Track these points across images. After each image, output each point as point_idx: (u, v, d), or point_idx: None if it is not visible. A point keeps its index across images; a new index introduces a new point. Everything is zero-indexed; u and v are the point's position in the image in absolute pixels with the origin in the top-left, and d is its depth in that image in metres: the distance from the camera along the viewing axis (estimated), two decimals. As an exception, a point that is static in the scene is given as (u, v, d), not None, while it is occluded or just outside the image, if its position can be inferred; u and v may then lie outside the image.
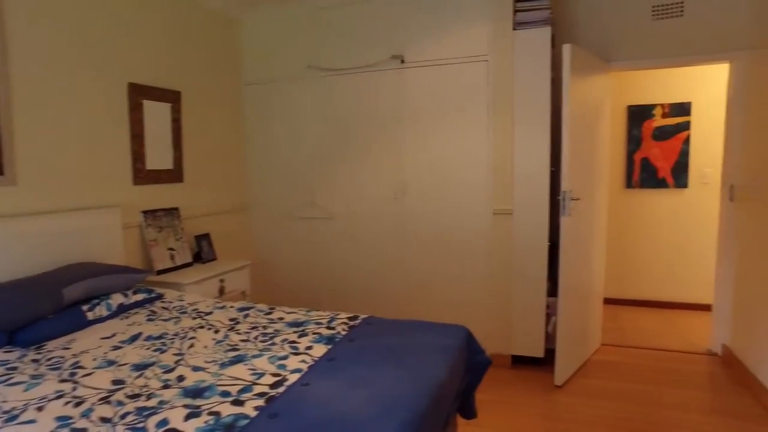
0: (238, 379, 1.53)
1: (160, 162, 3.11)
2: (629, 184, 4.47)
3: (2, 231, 2.12)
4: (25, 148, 2.30)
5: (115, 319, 2.14)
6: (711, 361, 3.28)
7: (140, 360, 1.68)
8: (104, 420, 1.27)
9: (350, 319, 2.13)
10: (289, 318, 2.18)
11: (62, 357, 1.69)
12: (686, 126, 4.27)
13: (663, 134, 4.34)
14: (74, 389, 1.44)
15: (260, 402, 1.37)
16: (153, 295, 2.42)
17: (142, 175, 2.94)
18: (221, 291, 3.06)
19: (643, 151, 4.40)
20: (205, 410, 1.32)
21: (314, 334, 1.94)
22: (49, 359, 1.69)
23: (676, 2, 3.22)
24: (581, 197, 3.02)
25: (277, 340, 1.89)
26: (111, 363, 1.65)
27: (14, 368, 1.60)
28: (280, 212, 3.78)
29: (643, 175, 4.42)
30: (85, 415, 1.30)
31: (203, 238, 3.35)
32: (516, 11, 3.03)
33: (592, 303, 3.35)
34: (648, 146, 4.38)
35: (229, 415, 1.29)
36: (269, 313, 2.25)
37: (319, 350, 1.77)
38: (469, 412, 2.06)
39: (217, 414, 1.30)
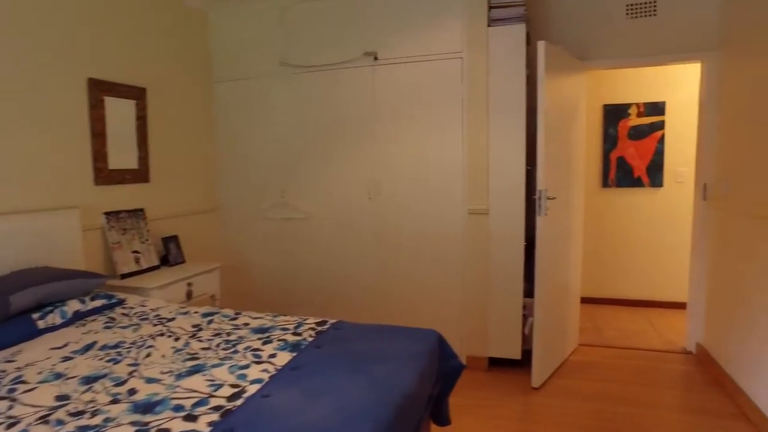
0: (194, 391, 1.44)
1: (124, 161, 2.98)
2: (605, 183, 4.48)
3: (-55, 235, 1.99)
4: (-27, 147, 2.17)
5: (70, 327, 2.02)
6: (686, 359, 3.29)
7: (91, 372, 1.58)
8: (41, 440, 1.18)
9: (318, 324, 2.05)
10: (255, 324, 2.09)
11: (3, 371, 1.58)
12: (661, 125, 4.30)
13: (638, 133, 4.35)
14: (10, 408, 1.33)
15: (215, 416, 1.29)
16: (113, 301, 2.31)
17: (104, 175, 2.82)
18: (189, 295, 2.95)
19: (619, 150, 4.41)
20: (153, 427, 1.23)
21: (279, 340, 1.86)
22: (-10, 373, 1.57)
23: (649, 1, 3.22)
24: (557, 196, 2.99)
25: (240, 347, 1.80)
26: (58, 376, 1.54)
27: (-50, 384, 1.49)
28: (252, 213, 3.68)
29: (619, 174, 4.43)
30: (20, 435, 1.20)
31: (171, 241, 3.23)
32: (490, 8, 2.98)
33: (569, 303, 3.32)
34: (624, 145, 4.40)
35: (179, 432, 1.20)
36: (234, 319, 2.16)
37: (283, 358, 1.69)
38: (442, 419, 2.00)
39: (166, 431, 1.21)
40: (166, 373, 1.57)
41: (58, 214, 2.48)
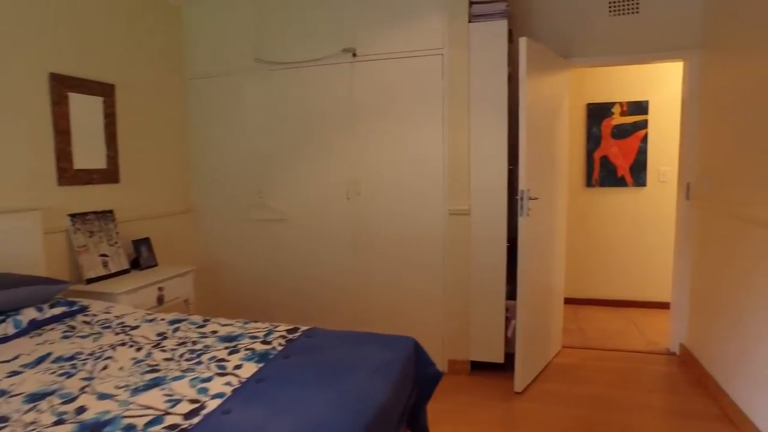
0: (149, 408, 1.34)
1: (92, 161, 2.85)
2: (589, 182, 4.44)
3: None
4: None
5: (24, 337, 1.90)
6: (669, 360, 3.26)
7: (38, 388, 1.47)
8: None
9: (289, 331, 1.96)
10: (224, 331, 1.99)
11: (-59, 388, 1.47)
12: (644, 124, 4.27)
13: (621, 132, 4.32)
14: (-60, 432, 1.22)
15: (168, 437, 1.19)
16: (75, 308, 2.19)
17: (69, 176, 2.69)
18: (160, 300, 2.84)
19: (602, 150, 4.38)
20: (98, 450, 1.13)
21: (247, 350, 1.77)
22: (-71, 390, 1.46)
23: (632, -2, 3.18)
24: (540, 197, 2.93)
25: (204, 357, 1.71)
26: (1, 394, 1.43)
27: None
28: (228, 214, 3.57)
29: (602, 173, 4.40)
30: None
31: (142, 243, 3.11)
32: (471, 3, 2.91)
33: (553, 305, 3.27)
34: (607, 144, 4.36)
35: (125, 456, 1.11)
36: (202, 326, 2.06)
37: (249, 369, 1.60)
38: (419, 429, 1.92)
39: (111, 455, 1.11)
40: (122, 387, 1.47)
41: (16, 217, 2.35)
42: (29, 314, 2.00)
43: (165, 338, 1.91)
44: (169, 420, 1.28)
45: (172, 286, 2.95)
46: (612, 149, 4.35)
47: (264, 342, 1.85)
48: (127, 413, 1.31)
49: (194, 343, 1.86)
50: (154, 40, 3.31)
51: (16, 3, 2.41)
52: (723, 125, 2.76)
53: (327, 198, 3.29)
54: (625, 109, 4.29)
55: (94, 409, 1.34)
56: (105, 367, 1.62)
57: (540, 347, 3.10)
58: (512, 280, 2.97)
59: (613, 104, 4.31)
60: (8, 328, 1.88)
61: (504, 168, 2.95)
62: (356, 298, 3.29)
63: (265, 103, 3.39)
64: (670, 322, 3.41)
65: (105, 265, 2.80)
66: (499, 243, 2.98)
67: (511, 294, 3.00)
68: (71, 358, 1.70)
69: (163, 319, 2.13)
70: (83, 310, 2.22)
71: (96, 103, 2.85)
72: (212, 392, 1.44)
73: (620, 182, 4.37)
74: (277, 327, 2.03)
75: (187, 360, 1.69)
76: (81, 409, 1.33)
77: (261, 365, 1.63)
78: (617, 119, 4.31)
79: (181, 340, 1.89)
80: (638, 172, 4.32)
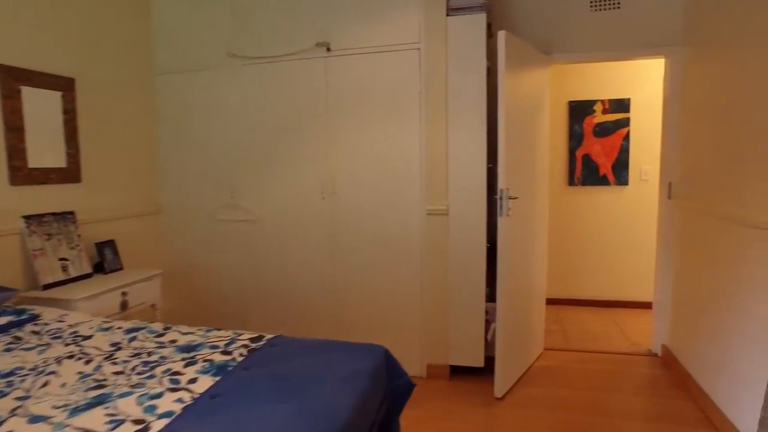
0: (87, 431, 1.22)
1: (49, 159, 2.70)
2: (571, 181, 4.38)
3: None
4: None
5: (-37, 350, 1.76)
6: (652, 362, 3.21)
7: (-35, 409, 1.33)
8: None
9: (253, 340, 1.84)
10: (184, 340, 1.86)
11: None
12: (626, 122, 4.23)
13: (603, 130, 4.27)
14: None
15: (102, 465, 1.07)
16: (24, 317, 2.04)
17: (23, 175, 2.53)
18: (124, 305, 2.69)
19: (584, 148, 4.33)
20: (19, 483, 1.01)
21: (205, 361, 1.64)
22: None
23: (613, -8, 3.11)
24: (520, 196, 2.85)
25: (158, 370, 1.58)
26: None
27: None
28: (199, 215, 3.42)
29: (584, 172, 4.34)
30: None
31: (106, 246, 2.96)
32: (449, -4, 2.82)
33: (534, 307, 3.20)
34: (589, 143, 4.31)
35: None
36: (161, 335, 1.93)
37: (204, 383, 1.48)
38: (391, 442, 1.82)
39: (33, 488, 0.99)
40: (60, 407, 1.34)
41: (-38, 219, 2.20)
42: (-29, 324, 1.85)
43: (119, 349, 1.78)
44: (107, 444, 1.15)
45: (138, 291, 2.81)
46: (594, 147, 4.30)
47: (224, 352, 1.73)
48: (60, 437, 1.18)
49: (150, 354, 1.73)
50: (119, 32, 3.15)
51: (-38, -10, 2.25)
52: (704, 123, 2.71)
53: (301, 198, 3.17)
54: (607, 106, 4.24)
55: (24, 433, 1.21)
56: (45, 384, 1.49)
57: (521, 350, 3.02)
58: (492, 282, 2.88)
59: (594, 102, 4.26)
60: (-56, 340, 1.74)
61: (483, 166, 2.86)
62: (332, 302, 3.18)
63: (237, 99, 3.26)
64: (652, 323, 3.36)
65: (64, 269, 2.65)
66: (479, 244, 2.89)
67: (492, 296, 2.92)
68: (9, 374, 1.56)
69: (120, 328, 2.00)
70: (33, 318, 2.07)
71: (54, 98, 2.69)
72: (160, 411, 1.32)
73: (602, 181, 4.32)
74: (240, 335, 1.91)
75: (139, 373, 1.56)
76: (8, 434, 1.20)
77: (218, 379, 1.51)
78: (599, 117, 4.26)
79: (136, 351, 1.76)
80: (620, 171, 4.27)
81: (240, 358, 1.67)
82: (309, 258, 3.19)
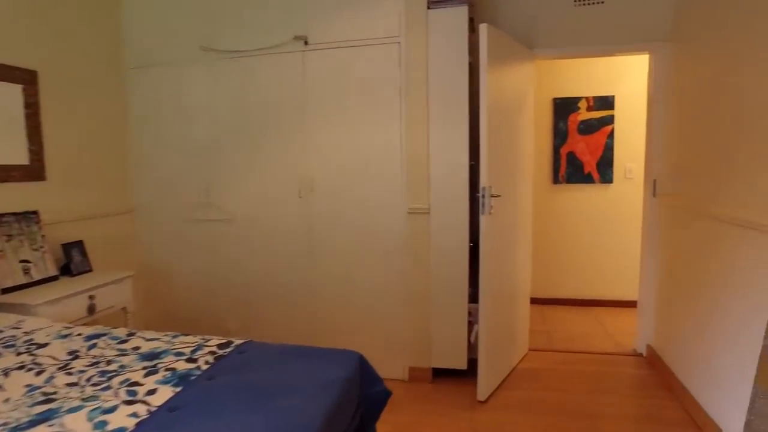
0: (27, 451, 1.11)
1: (9, 156, 2.56)
2: (556, 179, 4.34)
3: None
4: None
5: None
6: (636, 362, 3.17)
7: None
8: None
9: (220, 346, 1.74)
10: (147, 347, 1.76)
11: None
12: (610, 120, 4.19)
13: (588, 128, 4.23)
14: None
15: (38, 491, 0.97)
16: (-24, 324, 1.92)
17: (-20, 173, 2.40)
18: (91, 310, 2.57)
19: (569, 146, 4.28)
20: None
21: (167, 370, 1.54)
22: None
23: (597, -13, 3.06)
24: (503, 194, 2.78)
25: (116, 381, 1.48)
26: None
27: None
28: (173, 214, 3.30)
29: (569, 169, 4.30)
30: None
31: (74, 247, 2.83)
32: (430, -12, 2.74)
33: (518, 307, 3.13)
34: (574, 140, 4.27)
35: None
36: (124, 342, 1.82)
37: (163, 395, 1.38)
38: (367, 452, 1.74)
39: None
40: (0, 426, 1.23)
41: None
42: None
43: (76, 357, 1.67)
44: (48, 466, 1.05)
45: (107, 294, 2.68)
46: (579, 145, 4.26)
47: (189, 360, 1.63)
48: (-3, 459, 1.08)
49: (109, 362, 1.62)
50: (87, 23, 3.02)
51: None
52: (689, 120, 2.66)
53: (278, 196, 3.07)
54: (591, 104, 4.20)
55: (-43, 454, 1.10)
56: (-11, 398, 1.38)
57: (505, 352, 2.95)
58: (476, 282, 2.81)
59: (579, 99, 4.22)
60: None
61: (465, 164, 2.79)
62: (310, 303, 3.08)
63: (212, 94, 3.14)
64: (636, 323, 3.32)
65: (26, 272, 2.52)
66: (461, 243, 2.82)
67: (475, 297, 2.84)
68: (-48, 387, 1.45)
69: (80, 335, 1.88)
70: (-13, 325, 1.95)
71: (13, 91, 2.55)
72: (111, 427, 1.21)
73: (587, 179, 4.28)
74: (208, 341, 1.81)
75: (94, 385, 1.46)
76: (-61, 456, 1.10)
77: (179, 389, 1.41)
78: (583, 114, 4.22)
79: (94, 360, 1.65)
80: (605, 169, 4.23)
81: (205, 367, 1.57)
82: (287, 258, 3.09)
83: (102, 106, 3.14)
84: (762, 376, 1.86)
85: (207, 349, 1.72)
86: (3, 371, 1.55)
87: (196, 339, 1.84)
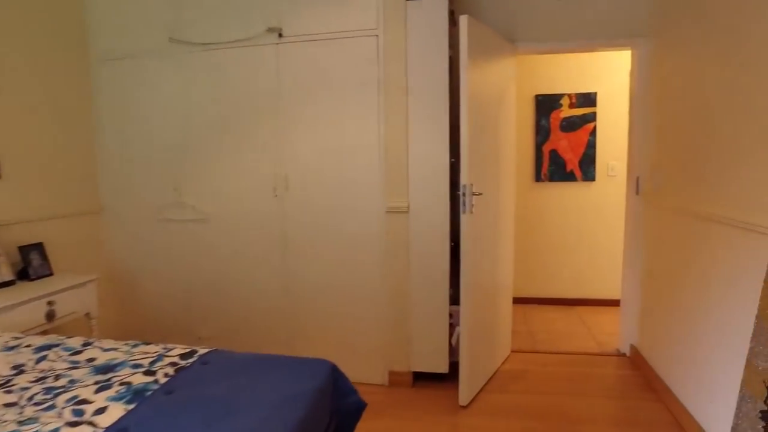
0: (-52, 483, 0.99)
1: (-40, 153, 2.39)
2: (538, 177, 4.28)
3: None
4: None
5: None
6: (620, 363, 3.12)
7: None
8: None
9: (183, 356, 1.62)
10: (104, 358, 1.63)
11: None
12: (593, 117, 4.15)
13: (570, 125, 4.18)
14: None
15: None
16: None
17: (-74, 171, 2.23)
18: (50, 316, 2.41)
19: (551, 143, 4.23)
20: None
21: (121, 384, 1.42)
22: None
23: (579, -20, 2.99)
24: (485, 192, 2.70)
25: (62, 399, 1.35)
26: None
27: None
28: (143, 214, 3.15)
29: (552, 167, 4.25)
30: None
31: (33, 250, 2.67)
32: (408, -21, 2.64)
33: (501, 308, 3.06)
34: (556, 138, 4.22)
35: None
36: (78, 353, 1.69)
37: (113, 414, 1.26)
38: (341, 467, 1.63)
39: None
40: (-77, 452, 1.10)
41: None
42: None
43: (21, 372, 1.54)
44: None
45: (68, 299, 2.53)
46: (561, 142, 4.21)
47: (147, 372, 1.50)
48: None
49: (57, 377, 1.49)
50: (49, 12, 2.85)
51: None
52: (672, 118, 2.61)
53: (252, 194, 2.94)
54: (573, 101, 4.15)
55: None
56: None
57: (487, 354, 2.88)
58: (457, 283, 2.72)
59: (561, 96, 4.16)
60: None
61: (446, 161, 2.70)
62: (286, 306, 2.96)
63: (182, 88, 3.00)
64: (620, 322, 3.28)
65: (-22, 277, 2.36)
66: (442, 243, 2.73)
67: (456, 298, 2.76)
68: None
69: (29, 346, 1.74)
70: (-72, 336, 1.79)
71: (-37, 83, 2.38)
72: (50, 452, 1.09)
73: (569, 177, 4.23)
74: (170, 351, 1.68)
75: (37, 404, 1.33)
76: None
77: (131, 407, 1.29)
78: (566, 111, 4.17)
79: (41, 374, 1.52)
80: (587, 167, 4.19)
81: (164, 380, 1.45)
82: (261, 258, 2.97)
83: (65, 100, 2.97)
84: (749, 379, 1.80)
85: (168, 360, 1.60)
86: (-64, 389, 1.41)
87: (157, 348, 1.71)
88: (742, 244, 1.86)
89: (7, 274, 2.48)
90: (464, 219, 2.52)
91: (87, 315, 2.69)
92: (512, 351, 3.28)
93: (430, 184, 2.71)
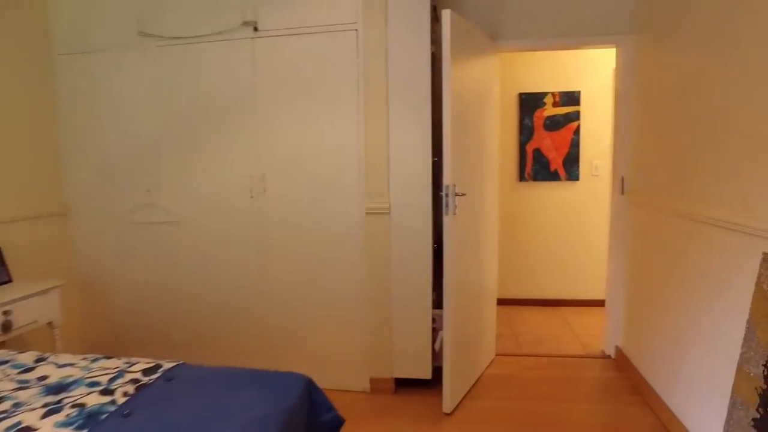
0: None
1: None
2: (522, 176, 4.23)
3: None
4: None
5: None
6: (605, 365, 3.07)
7: None
8: None
9: (146, 372, 1.50)
10: (58, 376, 1.50)
11: None
12: (576, 116, 4.10)
13: (554, 124, 4.13)
14: None
15: None
16: None
17: None
18: (6, 327, 2.26)
19: (535, 142, 4.18)
20: None
21: (74, 407, 1.29)
22: None
23: (564, -24, 2.93)
24: (468, 192, 2.62)
25: (2, 426, 1.22)
26: None
27: None
28: (112, 217, 3.00)
29: (535, 167, 4.19)
30: None
31: (-11, 255, 2.51)
32: (389, -28, 2.54)
33: (485, 311, 2.99)
34: (540, 136, 4.16)
35: None
36: (30, 370, 1.55)
37: (61, 442, 1.14)
38: (317, 487, 1.53)
39: None
40: None
41: None
42: None
43: (-36, 393, 1.40)
44: None
45: (27, 308, 2.38)
46: (545, 142, 4.16)
47: (104, 391, 1.38)
48: None
49: (1, 400, 1.36)
50: (9, 2, 2.68)
51: None
52: (657, 116, 2.57)
53: (227, 196, 2.81)
54: (557, 99, 4.10)
55: None
56: None
57: (471, 359, 2.80)
58: (440, 286, 2.64)
59: (545, 94, 4.11)
60: None
61: (428, 160, 2.61)
62: (263, 311, 2.84)
63: (153, 84, 2.86)
64: (605, 324, 3.23)
65: (-72, 285, 2.19)
66: (424, 245, 2.64)
67: (439, 302, 2.68)
68: None
69: (-24, 362, 1.60)
70: None
71: None
72: (-16, 490, 0.97)
73: (553, 176, 4.18)
74: (132, 365, 1.56)
75: (-24, 430, 1.20)
76: None
77: (82, 433, 1.17)
78: (549, 110, 4.12)
79: (-14, 395, 1.38)
80: (571, 166, 4.15)
81: (122, 400, 1.33)
82: (237, 263, 2.84)
83: (25, 96, 2.81)
84: (740, 386, 1.75)
85: (129, 377, 1.47)
86: None
87: (118, 363, 1.59)
88: (732, 245, 1.81)
89: (-40, 282, 2.32)
90: (447, 221, 2.43)
91: (49, 324, 2.54)
92: (497, 354, 3.21)
93: (411, 184, 2.62)
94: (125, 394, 1.37)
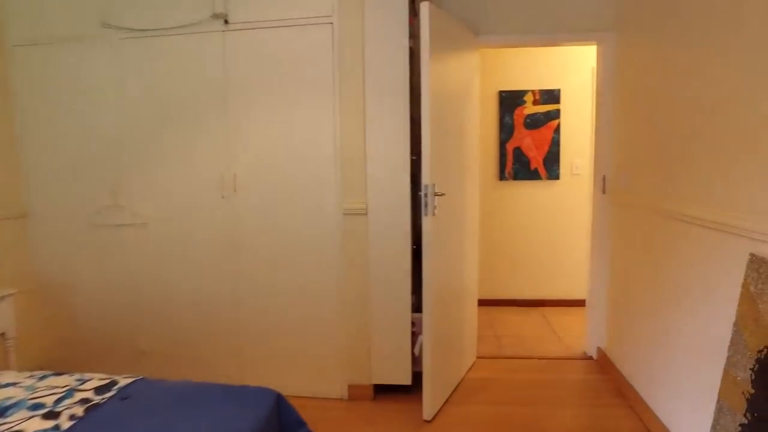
0: None
1: None
2: (502, 175, 4.17)
3: None
4: None
5: None
6: (587, 366, 3.03)
7: None
8: None
9: (98, 390, 1.38)
10: None
11: None
12: (557, 114, 4.07)
13: (534, 122, 4.09)
14: None
15: None
16: None
17: None
18: (-46, 339, 2.10)
19: (515, 141, 4.13)
20: None
21: (12, 433, 1.17)
22: None
23: (543, -30, 2.88)
24: (448, 192, 2.54)
25: (-69, 455, 1.08)
26: None
27: None
28: (74, 219, 2.83)
29: (516, 165, 4.15)
30: None
31: (-63, 262, 2.33)
32: (365, -38, 2.44)
33: (466, 314, 2.91)
34: (520, 135, 4.12)
35: None
36: (-30, 390, 1.41)
37: (-8, 476, 1.01)
38: None
39: None
40: None
41: None
42: None
43: None
44: None
45: (-22, 318, 2.22)
46: (525, 140, 4.11)
47: (48, 415, 1.25)
48: None
49: (-68, 425, 1.22)
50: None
51: None
52: (639, 115, 2.52)
53: (197, 196, 2.68)
54: (537, 97, 4.06)
55: None
56: None
57: (452, 363, 2.72)
58: (419, 289, 2.56)
59: (525, 92, 4.06)
60: None
61: (406, 159, 2.52)
62: (235, 316, 2.72)
63: (118, 79, 2.70)
64: (587, 325, 3.19)
65: None
66: (403, 247, 2.56)
67: (418, 306, 2.60)
68: None
69: None
70: None
71: None
72: None
73: (534, 175, 4.14)
74: (84, 383, 1.43)
75: None
76: None
77: (19, 464, 1.05)
78: (530, 108, 4.07)
79: None
80: (551, 165, 4.11)
81: (67, 425, 1.21)
82: (208, 267, 2.71)
83: (-23, 92, 2.63)
84: (726, 390, 1.71)
85: (79, 396, 1.35)
86: None
87: (69, 380, 1.46)
88: (718, 246, 1.76)
89: None
90: (426, 221, 2.35)
91: (2, 336, 2.37)
92: (478, 357, 3.14)
93: (389, 183, 2.52)
94: (72, 417, 1.24)
